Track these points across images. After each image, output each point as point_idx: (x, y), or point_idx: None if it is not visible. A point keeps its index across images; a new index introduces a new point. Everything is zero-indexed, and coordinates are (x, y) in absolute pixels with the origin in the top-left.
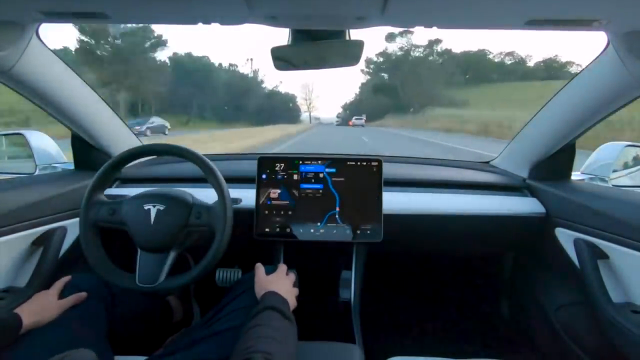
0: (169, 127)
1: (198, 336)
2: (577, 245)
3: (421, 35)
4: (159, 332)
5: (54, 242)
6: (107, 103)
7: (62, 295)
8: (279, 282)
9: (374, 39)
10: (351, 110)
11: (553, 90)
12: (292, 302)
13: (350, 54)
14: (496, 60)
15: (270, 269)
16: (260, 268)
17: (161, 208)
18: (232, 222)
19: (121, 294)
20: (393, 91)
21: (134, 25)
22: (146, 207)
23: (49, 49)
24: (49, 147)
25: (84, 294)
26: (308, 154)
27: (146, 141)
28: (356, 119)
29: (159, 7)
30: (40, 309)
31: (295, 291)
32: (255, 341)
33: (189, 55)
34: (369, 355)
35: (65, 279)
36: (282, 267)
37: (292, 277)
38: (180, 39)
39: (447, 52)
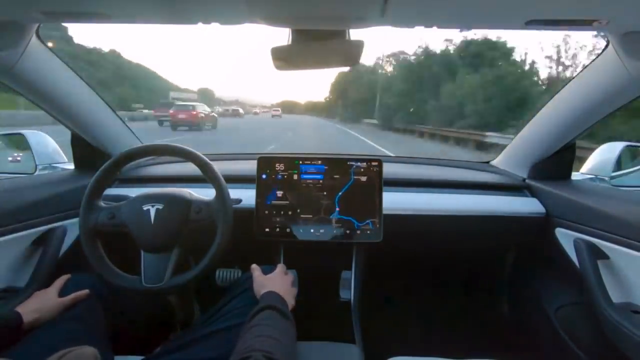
0: None
1: (195, 335)
2: (577, 246)
3: None
4: (161, 331)
5: (54, 242)
6: (107, 102)
7: (63, 293)
8: (278, 282)
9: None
10: None
11: None
12: (291, 302)
13: (350, 54)
14: None
15: (269, 269)
16: (256, 269)
17: (160, 207)
18: (232, 218)
19: (122, 294)
20: None
21: None
22: (145, 207)
23: (49, 48)
24: (49, 147)
25: (85, 292)
26: (308, 154)
27: None
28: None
29: (159, 7)
30: (40, 306)
31: (294, 291)
32: (254, 340)
33: None
34: (369, 355)
35: (65, 277)
36: (281, 267)
37: (291, 276)
38: None
39: None
